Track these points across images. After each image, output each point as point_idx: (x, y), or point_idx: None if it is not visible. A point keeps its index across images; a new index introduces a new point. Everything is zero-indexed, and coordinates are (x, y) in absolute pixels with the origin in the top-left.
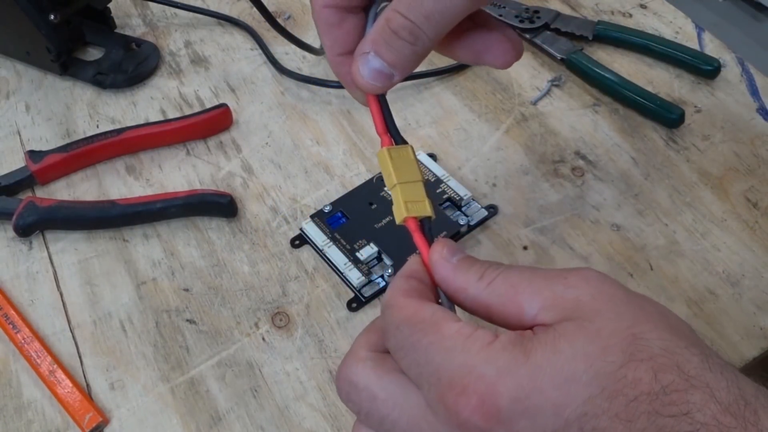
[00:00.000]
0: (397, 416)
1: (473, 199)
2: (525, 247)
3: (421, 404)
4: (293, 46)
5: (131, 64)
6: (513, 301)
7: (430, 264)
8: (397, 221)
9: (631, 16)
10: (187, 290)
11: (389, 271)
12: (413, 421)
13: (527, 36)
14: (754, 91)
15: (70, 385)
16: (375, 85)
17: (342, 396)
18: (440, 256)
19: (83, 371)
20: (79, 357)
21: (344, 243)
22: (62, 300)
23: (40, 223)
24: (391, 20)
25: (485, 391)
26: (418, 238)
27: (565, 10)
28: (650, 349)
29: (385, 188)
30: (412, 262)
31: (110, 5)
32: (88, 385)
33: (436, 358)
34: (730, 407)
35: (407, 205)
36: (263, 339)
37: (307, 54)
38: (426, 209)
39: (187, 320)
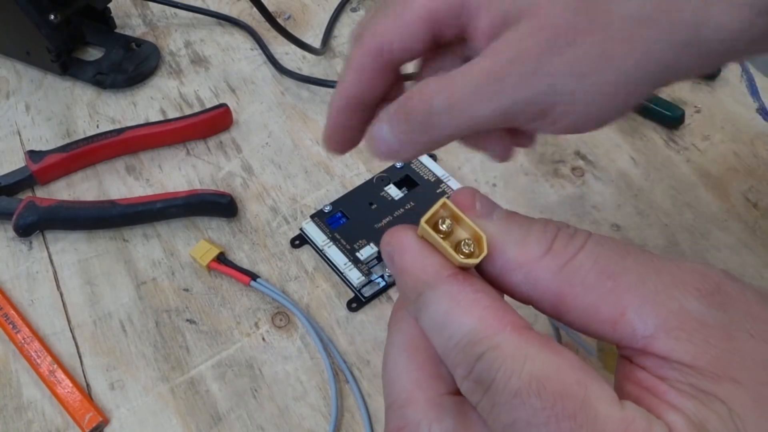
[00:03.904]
0: None
1: None
2: None
3: None
4: (293, 46)
5: (131, 64)
6: (607, 301)
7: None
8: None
9: None
10: (187, 290)
11: (389, 271)
12: None
13: None
14: (754, 91)
15: (70, 385)
16: (380, 154)
17: None
18: (477, 213)
19: (83, 371)
20: (79, 357)
21: (344, 243)
22: (62, 300)
23: (40, 223)
24: (412, 98)
25: None
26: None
27: None
28: None
29: (386, 188)
30: (419, 251)
31: (110, 5)
32: (88, 385)
33: None
34: None
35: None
36: (263, 339)
37: (307, 54)
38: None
39: (187, 320)
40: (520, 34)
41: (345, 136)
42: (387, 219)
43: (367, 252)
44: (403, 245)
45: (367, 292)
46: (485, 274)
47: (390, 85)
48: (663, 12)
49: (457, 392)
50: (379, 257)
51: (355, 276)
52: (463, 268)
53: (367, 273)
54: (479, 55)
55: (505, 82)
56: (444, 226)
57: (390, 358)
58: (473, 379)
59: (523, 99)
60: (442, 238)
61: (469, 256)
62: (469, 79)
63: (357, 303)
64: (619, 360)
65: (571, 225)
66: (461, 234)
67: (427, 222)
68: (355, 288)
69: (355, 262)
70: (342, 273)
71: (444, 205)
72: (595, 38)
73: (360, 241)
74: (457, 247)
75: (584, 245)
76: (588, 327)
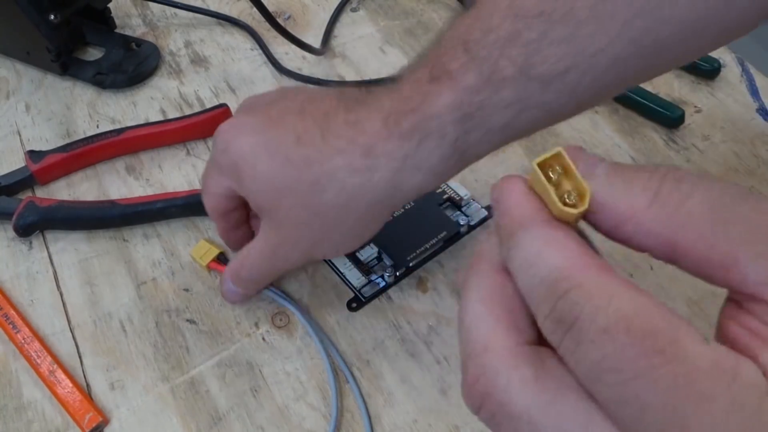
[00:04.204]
0: None
1: (473, 199)
2: None
3: None
4: (293, 46)
5: (131, 64)
6: (720, 246)
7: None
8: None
9: None
10: (187, 290)
11: (389, 271)
12: None
13: None
14: (754, 91)
15: (70, 385)
16: (232, 300)
17: (479, 414)
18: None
19: (83, 371)
20: (79, 357)
21: None
22: (62, 300)
23: (40, 223)
24: (232, 270)
25: None
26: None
27: None
28: None
29: None
30: (524, 195)
31: (110, 5)
32: (88, 385)
33: (686, 409)
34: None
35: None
36: (263, 339)
37: (307, 54)
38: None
39: (187, 320)
40: (268, 227)
41: (234, 238)
42: None
43: (366, 252)
44: (510, 189)
45: (367, 292)
46: (600, 229)
47: (239, 210)
48: (363, 192)
49: (535, 343)
50: (378, 257)
51: (355, 276)
52: (562, 220)
53: (367, 273)
54: (258, 235)
55: (275, 258)
56: (553, 174)
57: (467, 310)
58: (556, 317)
59: (292, 264)
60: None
61: (570, 206)
62: (254, 256)
63: (357, 303)
64: (726, 302)
65: (681, 168)
66: (567, 186)
67: (538, 165)
68: (355, 288)
69: (355, 262)
70: (342, 273)
71: (558, 153)
72: (314, 226)
73: None
74: (560, 197)
75: (693, 191)
76: (701, 271)
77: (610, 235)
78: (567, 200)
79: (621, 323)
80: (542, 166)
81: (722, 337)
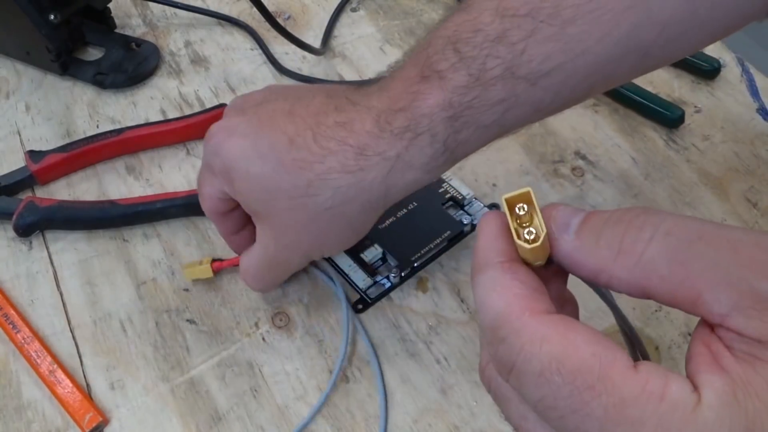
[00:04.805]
0: None
1: (475, 198)
2: None
3: None
4: (293, 46)
5: (131, 64)
6: (683, 285)
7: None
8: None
9: None
10: (187, 290)
11: (394, 272)
12: None
13: None
14: (754, 92)
15: (70, 385)
16: (257, 290)
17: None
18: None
19: (83, 371)
20: (79, 357)
21: None
22: (62, 300)
23: (40, 223)
24: (241, 274)
25: None
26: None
27: None
28: None
29: None
30: (493, 235)
31: (110, 5)
32: (88, 385)
33: None
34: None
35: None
36: (263, 339)
37: (307, 54)
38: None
39: (187, 320)
40: (264, 234)
41: (236, 243)
42: (390, 220)
43: (371, 254)
44: (483, 227)
45: (373, 293)
46: (583, 280)
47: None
48: (357, 193)
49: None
50: (383, 258)
51: (361, 278)
52: (526, 260)
53: (372, 275)
54: (256, 241)
55: (276, 266)
56: (521, 211)
57: (480, 286)
58: (499, 360)
59: (295, 267)
60: (517, 221)
61: (525, 242)
62: (255, 267)
63: (363, 305)
64: (700, 322)
65: (646, 210)
66: (534, 224)
67: (507, 200)
68: (361, 290)
69: (360, 263)
70: (347, 275)
71: (527, 192)
72: (311, 229)
73: (364, 242)
74: (521, 233)
75: (653, 237)
76: (674, 306)
77: (591, 283)
78: (527, 237)
79: (553, 365)
80: (512, 201)
81: (689, 352)
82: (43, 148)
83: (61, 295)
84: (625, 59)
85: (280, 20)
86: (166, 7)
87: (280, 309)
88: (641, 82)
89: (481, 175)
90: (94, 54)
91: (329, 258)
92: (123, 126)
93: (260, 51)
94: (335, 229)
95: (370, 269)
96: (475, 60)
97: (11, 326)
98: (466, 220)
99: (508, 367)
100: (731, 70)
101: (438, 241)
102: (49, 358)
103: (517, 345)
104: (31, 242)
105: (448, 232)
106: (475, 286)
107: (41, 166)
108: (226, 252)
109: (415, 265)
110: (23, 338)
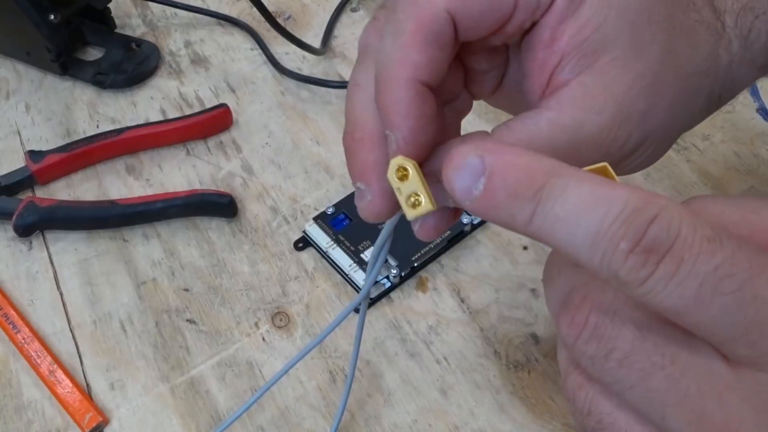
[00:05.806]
0: None
1: None
2: (525, 247)
3: None
4: (293, 46)
5: (131, 64)
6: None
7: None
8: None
9: None
10: (187, 290)
11: (394, 271)
12: None
13: None
14: (754, 91)
15: (70, 385)
16: (432, 236)
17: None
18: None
19: (83, 371)
20: (79, 357)
21: (348, 245)
22: (62, 300)
23: (40, 223)
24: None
25: None
26: None
27: None
28: None
29: None
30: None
31: (110, 5)
32: (88, 385)
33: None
34: None
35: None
36: (263, 339)
37: (307, 54)
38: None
39: (187, 320)
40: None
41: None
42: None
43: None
44: (500, 148)
45: (373, 293)
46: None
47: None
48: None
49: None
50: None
51: (361, 278)
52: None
53: None
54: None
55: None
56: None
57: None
58: (647, 247)
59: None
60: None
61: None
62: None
63: None
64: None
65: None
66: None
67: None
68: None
69: (360, 263)
70: (347, 275)
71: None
72: (673, 86)
73: (364, 242)
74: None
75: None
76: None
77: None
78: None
79: (723, 232)
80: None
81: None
82: (43, 148)
83: (61, 295)
84: None
85: (280, 20)
86: (166, 7)
87: (280, 309)
88: None
89: None
90: (94, 54)
91: (329, 257)
92: (123, 126)
93: (260, 51)
94: (684, 100)
95: None
96: None
97: (11, 326)
98: (466, 220)
99: (666, 246)
100: None
101: (438, 240)
102: (49, 358)
103: (676, 216)
104: (31, 242)
105: (448, 232)
106: (550, 199)
107: (41, 166)
108: (226, 252)
109: (415, 265)
110: (23, 338)
